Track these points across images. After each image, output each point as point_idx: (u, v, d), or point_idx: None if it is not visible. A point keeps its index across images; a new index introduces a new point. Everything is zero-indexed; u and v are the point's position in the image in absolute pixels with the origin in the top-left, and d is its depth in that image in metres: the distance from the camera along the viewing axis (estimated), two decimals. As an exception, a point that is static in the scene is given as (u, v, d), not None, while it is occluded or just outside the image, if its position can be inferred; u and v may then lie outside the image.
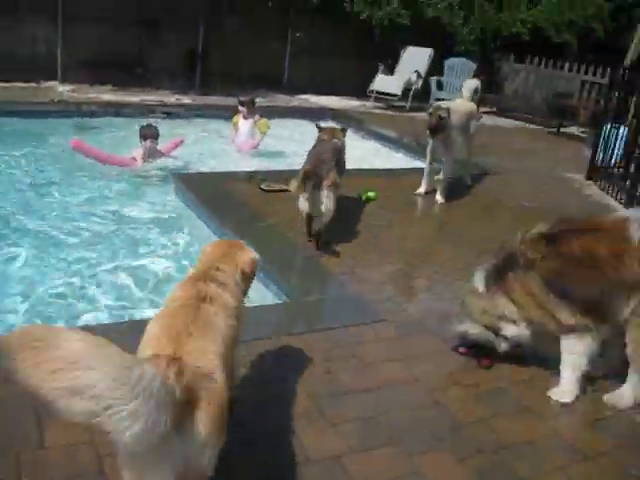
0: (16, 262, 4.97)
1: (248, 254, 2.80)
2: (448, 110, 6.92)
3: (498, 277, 3.57)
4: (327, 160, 5.42)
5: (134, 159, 7.85)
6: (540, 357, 3.78)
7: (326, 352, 3.64)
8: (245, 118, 9.07)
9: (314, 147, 5.92)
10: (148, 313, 4.21)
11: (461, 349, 3.83)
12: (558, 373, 3.56)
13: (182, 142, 8.48)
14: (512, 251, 3.56)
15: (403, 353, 3.75)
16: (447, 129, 6.94)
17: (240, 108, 9.11)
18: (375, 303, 4.33)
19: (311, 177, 5.10)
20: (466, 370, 3.70)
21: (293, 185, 5.15)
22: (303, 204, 5.20)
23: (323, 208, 5.14)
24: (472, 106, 7.91)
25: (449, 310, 4.32)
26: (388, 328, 4.01)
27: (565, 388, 3.54)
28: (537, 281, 3.42)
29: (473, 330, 3.66)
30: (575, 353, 3.49)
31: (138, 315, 4.29)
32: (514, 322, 3.57)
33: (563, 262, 3.38)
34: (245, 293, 2.77)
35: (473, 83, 8.12)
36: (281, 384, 3.31)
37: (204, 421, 1.95)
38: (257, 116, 9.12)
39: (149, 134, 7.91)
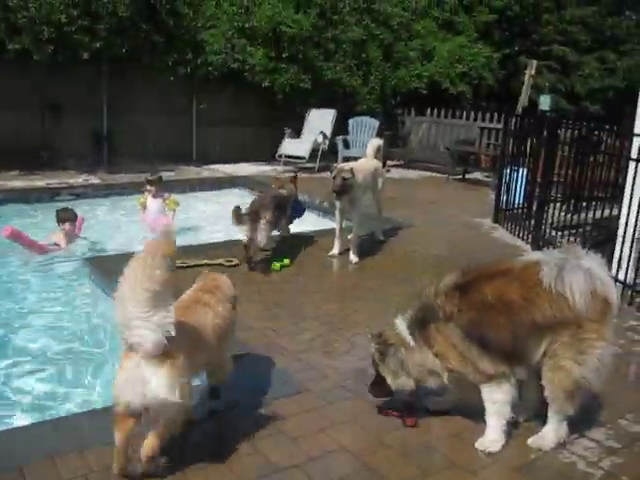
0: None
1: (228, 281, 3.97)
2: (351, 170, 7.07)
3: (421, 329, 3.59)
4: (266, 204, 6.96)
5: (57, 244, 7.74)
6: (465, 410, 3.85)
7: (251, 431, 3.60)
8: (154, 197, 9.01)
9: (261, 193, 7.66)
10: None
11: (385, 410, 3.86)
12: (484, 423, 3.62)
13: (83, 220, 8.33)
14: (429, 303, 3.59)
15: (328, 421, 3.75)
16: (353, 189, 7.09)
17: (148, 187, 9.03)
18: (296, 373, 4.33)
19: (251, 215, 6.80)
20: (393, 430, 3.72)
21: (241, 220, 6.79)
22: (245, 235, 6.80)
23: (258, 237, 6.75)
24: (377, 164, 8.12)
25: (371, 370, 4.38)
26: (311, 398, 4.00)
27: (491, 437, 3.60)
28: (457, 333, 3.48)
29: (408, 384, 3.68)
30: (498, 402, 3.55)
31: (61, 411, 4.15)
32: (438, 374, 3.63)
33: (478, 311, 3.45)
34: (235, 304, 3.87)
35: (376, 142, 8.33)
36: (207, 471, 3.24)
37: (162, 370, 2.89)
38: (166, 194, 9.09)
39: (67, 217, 7.80)
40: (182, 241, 7.47)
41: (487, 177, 14.24)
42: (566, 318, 3.35)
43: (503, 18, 21.34)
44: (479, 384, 3.57)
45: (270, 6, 14.74)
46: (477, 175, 14.76)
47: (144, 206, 9.07)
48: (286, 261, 6.87)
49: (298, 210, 8.19)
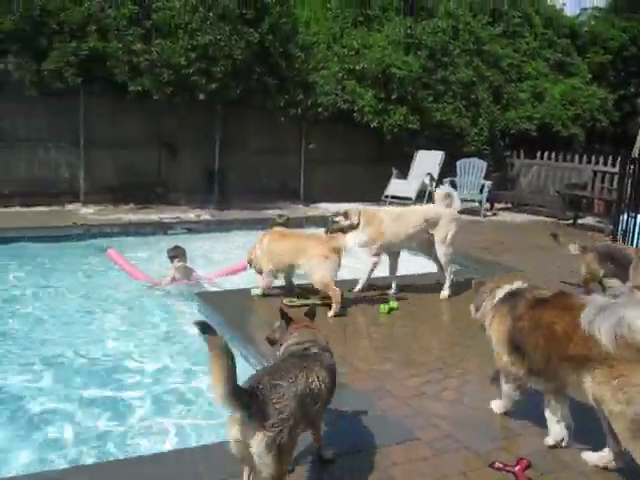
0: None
1: None
2: (345, 213, 7.12)
3: (504, 300, 4.17)
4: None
5: (166, 278, 8.02)
6: (578, 464, 3.67)
7: (358, 477, 3.55)
8: None
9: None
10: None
11: (497, 464, 3.72)
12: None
13: (245, 269, 8.15)
14: (520, 294, 4.11)
15: (438, 474, 3.63)
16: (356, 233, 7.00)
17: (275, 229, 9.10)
18: (405, 419, 4.24)
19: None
20: (505, 487, 3.58)
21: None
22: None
23: None
24: (432, 211, 7.56)
25: (481, 422, 4.26)
26: (420, 447, 3.90)
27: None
28: (509, 328, 4.03)
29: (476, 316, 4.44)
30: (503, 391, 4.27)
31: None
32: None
33: (530, 326, 3.90)
34: None
35: (444, 191, 7.82)
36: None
37: None
38: None
39: (175, 254, 8.07)
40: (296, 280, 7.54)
41: (600, 222, 13.72)
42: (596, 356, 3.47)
43: (618, 58, 20.82)
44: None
45: (380, 48, 14.93)
46: (589, 220, 14.25)
47: None
48: (394, 304, 6.79)
49: None
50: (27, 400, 4.88)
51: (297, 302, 6.76)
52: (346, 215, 7.12)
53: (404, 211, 7.71)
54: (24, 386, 5.12)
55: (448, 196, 7.61)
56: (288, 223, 9.18)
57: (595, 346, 3.42)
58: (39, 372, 5.40)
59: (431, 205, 8.10)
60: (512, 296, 4.14)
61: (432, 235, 7.39)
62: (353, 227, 7.08)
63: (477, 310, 4.42)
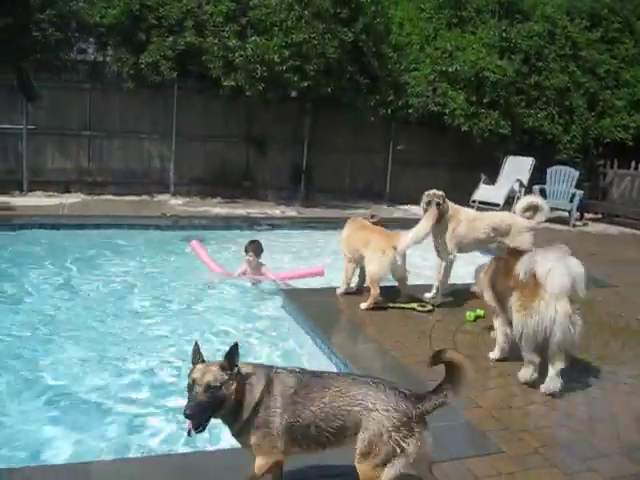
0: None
1: None
2: (443, 197, 7.03)
3: (490, 262, 5.71)
4: None
5: (241, 273, 8.21)
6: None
7: (442, 486, 3.51)
8: None
9: None
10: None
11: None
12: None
13: (320, 274, 8.21)
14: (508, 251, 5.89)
15: (523, 489, 3.57)
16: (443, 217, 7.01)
17: None
18: (490, 431, 4.16)
19: None
20: (594, 509, 3.49)
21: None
22: None
23: None
24: (504, 220, 7.32)
25: (570, 439, 4.15)
26: (505, 461, 3.81)
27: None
28: (490, 276, 5.46)
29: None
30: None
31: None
32: None
33: (502, 267, 5.31)
34: None
35: (529, 200, 7.27)
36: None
37: None
38: None
39: (250, 248, 8.19)
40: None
41: (697, 239, 13.18)
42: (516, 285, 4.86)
43: None
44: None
45: (474, 51, 14.71)
46: (686, 236, 13.70)
47: None
48: (480, 312, 6.66)
49: None
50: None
51: (384, 305, 6.74)
52: (444, 200, 7.04)
53: (479, 215, 7.59)
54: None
55: (531, 208, 7.12)
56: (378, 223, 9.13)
57: (516, 277, 4.80)
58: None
59: (505, 213, 7.91)
60: (494, 259, 5.68)
61: (503, 243, 7.19)
62: (442, 214, 7.03)
63: (476, 284, 5.85)
